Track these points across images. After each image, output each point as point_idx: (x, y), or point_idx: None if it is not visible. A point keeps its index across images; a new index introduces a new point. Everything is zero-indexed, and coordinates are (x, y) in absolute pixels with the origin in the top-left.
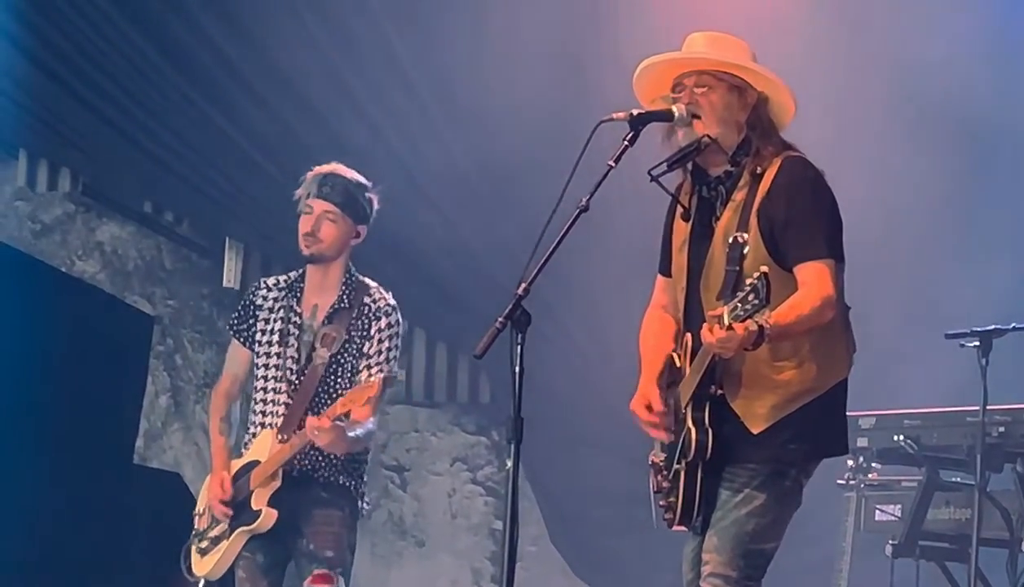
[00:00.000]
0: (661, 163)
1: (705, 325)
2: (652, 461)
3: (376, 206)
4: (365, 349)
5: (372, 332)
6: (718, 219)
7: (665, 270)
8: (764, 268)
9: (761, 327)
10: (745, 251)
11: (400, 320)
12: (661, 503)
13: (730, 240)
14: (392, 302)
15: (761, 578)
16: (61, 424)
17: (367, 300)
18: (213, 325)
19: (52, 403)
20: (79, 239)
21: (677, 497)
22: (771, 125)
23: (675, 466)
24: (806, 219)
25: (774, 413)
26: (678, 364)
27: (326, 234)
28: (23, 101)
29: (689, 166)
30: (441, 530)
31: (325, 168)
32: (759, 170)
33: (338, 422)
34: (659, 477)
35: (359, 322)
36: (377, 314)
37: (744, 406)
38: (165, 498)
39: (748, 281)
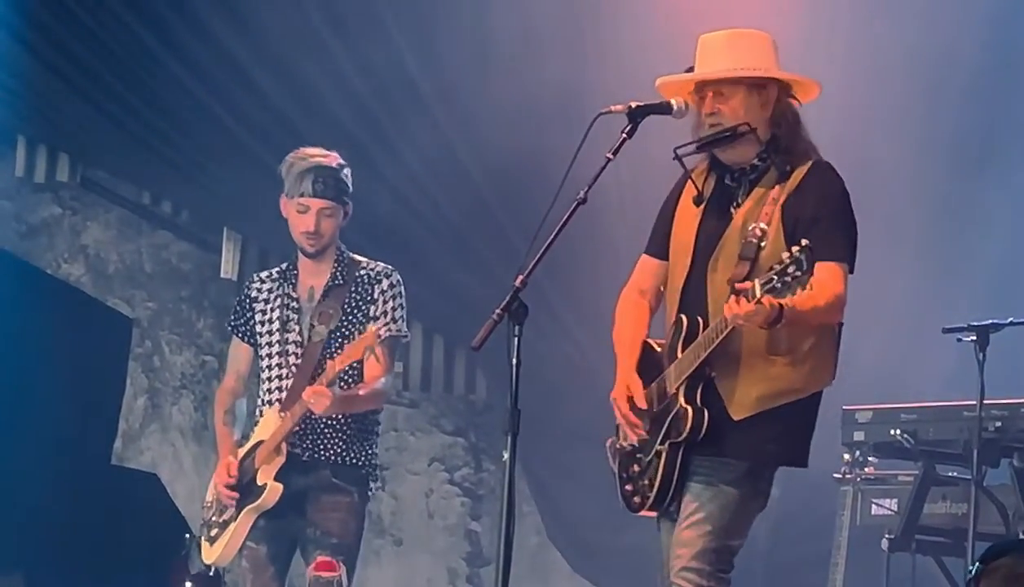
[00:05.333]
0: (689, 143)
1: (732, 298)
2: (618, 446)
3: (350, 178)
4: (371, 313)
5: (375, 295)
6: (738, 206)
7: (656, 252)
8: (805, 241)
9: (781, 307)
10: (763, 244)
11: (400, 280)
12: (628, 488)
13: (748, 229)
14: (388, 266)
15: (730, 572)
16: (41, 423)
17: (361, 272)
18: (191, 327)
19: (33, 402)
20: (65, 242)
21: (654, 479)
22: (796, 120)
23: (657, 447)
24: (834, 221)
25: (759, 404)
26: (657, 350)
27: (326, 229)
28: (21, 91)
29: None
30: (418, 530)
31: (308, 161)
32: (788, 167)
33: (339, 388)
34: (627, 461)
35: (357, 293)
36: (377, 278)
37: (730, 391)
38: (142, 498)
39: (788, 253)
